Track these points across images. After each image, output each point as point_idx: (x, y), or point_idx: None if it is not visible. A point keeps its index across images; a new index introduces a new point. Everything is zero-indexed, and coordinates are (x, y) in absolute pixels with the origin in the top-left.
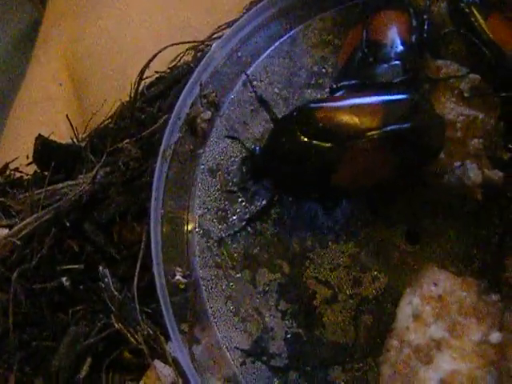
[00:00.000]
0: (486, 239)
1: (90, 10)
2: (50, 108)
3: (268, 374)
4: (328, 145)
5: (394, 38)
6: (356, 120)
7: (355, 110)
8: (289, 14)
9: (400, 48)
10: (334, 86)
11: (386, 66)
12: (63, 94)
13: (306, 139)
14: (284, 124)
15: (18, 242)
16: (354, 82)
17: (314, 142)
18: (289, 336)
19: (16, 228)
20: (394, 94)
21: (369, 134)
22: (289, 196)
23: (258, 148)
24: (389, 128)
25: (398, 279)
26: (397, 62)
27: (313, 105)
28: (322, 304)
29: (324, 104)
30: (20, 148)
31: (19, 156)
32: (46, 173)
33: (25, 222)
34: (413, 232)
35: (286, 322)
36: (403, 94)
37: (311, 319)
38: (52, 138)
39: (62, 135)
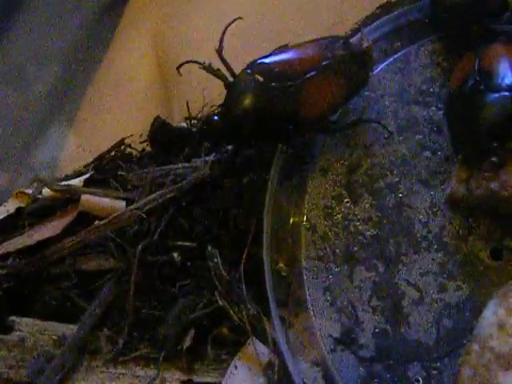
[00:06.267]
0: None
1: None
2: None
3: (354, 363)
4: (288, 83)
5: (505, 70)
6: (304, 59)
7: (300, 52)
8: (401, 34)
9: (510, 80)
10: None
11: (496, 95)
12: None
13: (266, 83)
14: (239, 80)
15: (144, 216)
16: None
17: (275, 83)
18: (377, 330)
19: (142, 202)
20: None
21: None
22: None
23: (215, 116)
24: (330, 58)
25: (479, 291)
26: (506, 93)
27: (261, 59)
28: (409, 305)
29: (271, 55)
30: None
31: (134, 134)
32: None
33: (150, 197)
34: (497, 249)
35: (376, 317)
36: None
37: (398, 317)
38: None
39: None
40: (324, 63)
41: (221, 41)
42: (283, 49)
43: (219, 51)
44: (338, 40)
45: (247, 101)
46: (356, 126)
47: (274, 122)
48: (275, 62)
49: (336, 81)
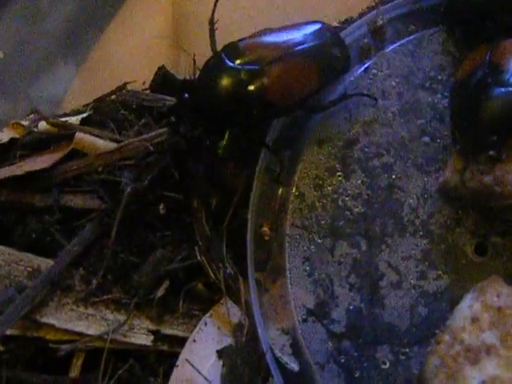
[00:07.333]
0: None
1: None
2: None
3: (324, 337)
4: (256, 67)
5: None
6: (278, 43)
7: (277, 36)
8: (418, 17)
9: None
10: None
11: (502, 89)
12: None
13: (235, 66)
14: (211, 63)
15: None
16: None
17: (244, 67)
18: (351, 307)
19: (151, 134)
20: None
21: (290, 51)
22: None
23: (186, 94)
24: (305, 45)
25: (459, 284)
26: None
27: (237, 41)
28: (387, 287)
29: (249, 38)
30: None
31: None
32: None
33: (158, 131)
34: (482, 245)
35: (352, 294)
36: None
37: (374, 297)
38: None
39: None
40: (297, 48)
41: (213, 12)
42: (263, 32)
43: (211, 22)
44: (320, 25)
45: (214, 85)
46: (341, 102)
47: (240, 106)
48: (249, 46)
49: (307, 68)
